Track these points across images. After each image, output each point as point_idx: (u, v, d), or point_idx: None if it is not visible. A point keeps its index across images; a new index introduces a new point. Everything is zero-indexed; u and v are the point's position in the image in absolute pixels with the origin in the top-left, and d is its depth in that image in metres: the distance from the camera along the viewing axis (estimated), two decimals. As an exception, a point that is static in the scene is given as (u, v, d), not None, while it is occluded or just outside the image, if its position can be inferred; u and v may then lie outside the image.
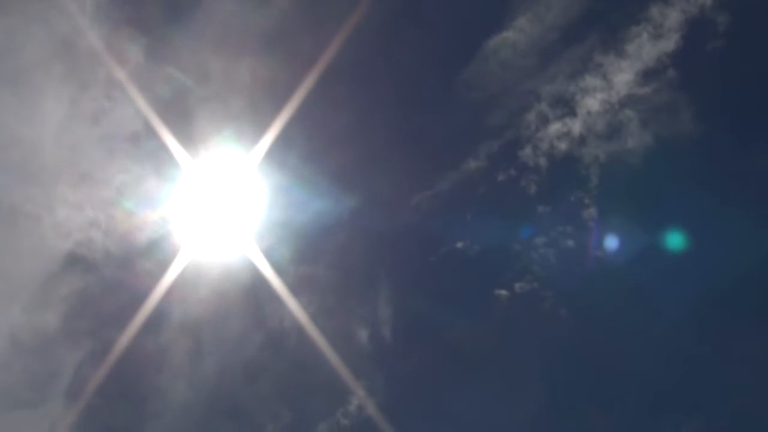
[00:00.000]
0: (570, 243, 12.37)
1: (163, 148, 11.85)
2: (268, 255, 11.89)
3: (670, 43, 12.19)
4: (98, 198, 12.16)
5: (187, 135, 12.02)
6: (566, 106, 12.55)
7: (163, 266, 11.92)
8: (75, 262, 12.23)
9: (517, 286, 12.52)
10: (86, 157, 12.18)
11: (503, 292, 12.59)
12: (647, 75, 12.25)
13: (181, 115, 12.10)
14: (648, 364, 11.92)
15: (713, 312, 11.56)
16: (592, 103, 12.51)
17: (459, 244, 12.53)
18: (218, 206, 12.24)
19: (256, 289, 12.11)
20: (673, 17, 12.14)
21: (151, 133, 11.85)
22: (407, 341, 12.82)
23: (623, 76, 12.36)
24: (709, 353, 11.56)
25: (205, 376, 12.25)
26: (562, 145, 12.52)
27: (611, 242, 12.26)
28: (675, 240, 11.86)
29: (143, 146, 12.15)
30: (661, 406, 11.73)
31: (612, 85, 12.40)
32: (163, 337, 12.14)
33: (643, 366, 11.91)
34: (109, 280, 12.28)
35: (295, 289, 11.86)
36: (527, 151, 12.62)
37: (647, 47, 12.27)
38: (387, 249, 12.32)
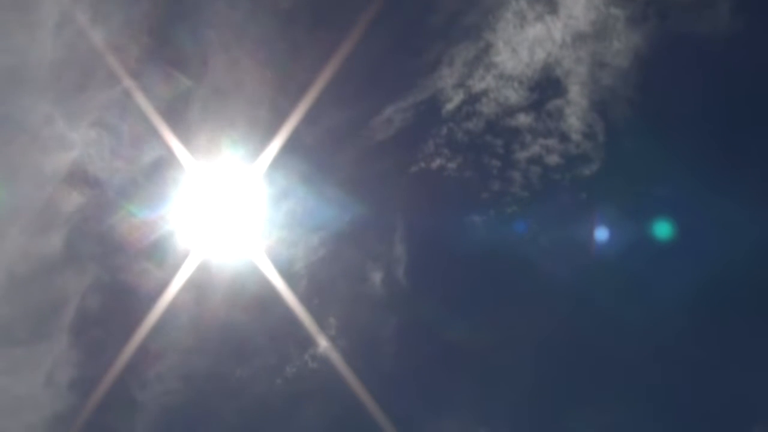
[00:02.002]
0: (554, 159, 11.28)
1: (167, 151, 10.96)
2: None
3: (659, -68, 11.00)
4: (100, 108, 10.93)
5: (192, 138, 11.04)
6: (547, 4, 11.23)
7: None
8: (77, 178, 11.05)
9: (493, 212, 11.40)
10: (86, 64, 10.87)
11: (478, 218, 11.46)
12: (635, -32, 11.06)
13: (186, 118, 11.11)
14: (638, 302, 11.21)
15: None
16: (575, 0, 11.24)
17: (434, 164, 11.23)
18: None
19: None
20: None
21: (154, 135, 10.95)
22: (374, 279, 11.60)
23: (609, -30, 11.12)
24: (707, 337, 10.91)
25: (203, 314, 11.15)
26: (544, 48, 11.25)
27: (598, 154, 11.25)
28: (668, 149, 10.97)
29: (147, 149, 11.09)
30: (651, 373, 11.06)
31: (597, -20, 11.15)
32: (169, 269, 10.99)
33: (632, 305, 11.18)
34: (113, 201, 11.15)
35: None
36: (505, 57, 11.29)
37: (634, -63, 11.03)
38: (354, 165, 10.90)
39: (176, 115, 10.98)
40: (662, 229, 11.16)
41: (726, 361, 10.64)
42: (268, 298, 11.01)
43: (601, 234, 11.36)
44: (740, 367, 10.57)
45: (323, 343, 11.14)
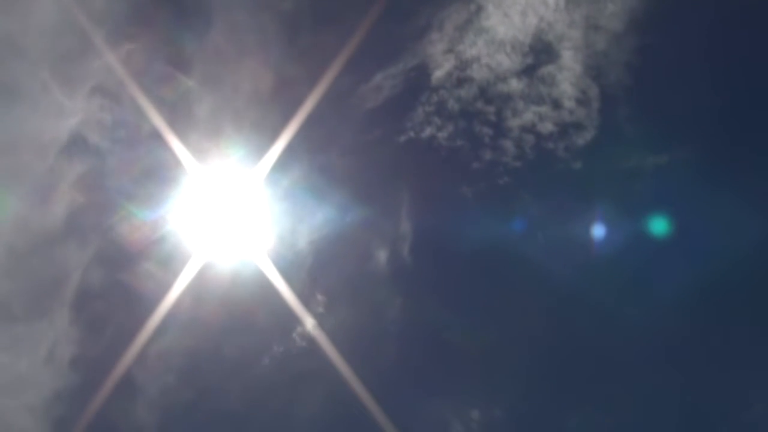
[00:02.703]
0: (547, 127, 10.96)
1: (170, 154, 10.65)
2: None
3: None
4: (99, 72, 10.54)
5: (194, 141, 10.74)
6: (538, -36, 10.83)
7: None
8: (78, 146, 10.71)
9: (484, 182, 11.07)
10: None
11: (468, 189, 11.15)
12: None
13: (188, 121, 10.80)
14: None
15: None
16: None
17: (424, 133, 10.88)
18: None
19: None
20: None
21: (156, 138, 10.63)
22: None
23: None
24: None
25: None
26: (536, 12, 10.87)
27: (592, 122, 10.94)
28: (664, 116, 10.68)
29: (149, 152, 10.80)
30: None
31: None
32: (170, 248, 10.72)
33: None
34: (115, 168, 10.78)
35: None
36: (496, 21, 10.91)
37: None
38: (342, 134, 10.54)
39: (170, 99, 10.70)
40: (660, 199, 10.90)
41: (726, 358, 10.37)
42: (265, 279, 10.75)
43: (596, 204, 11.12)
44: (740, 364, 10.33)
45: (322, 321, 10.89)
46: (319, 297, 10.97)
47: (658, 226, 10.82)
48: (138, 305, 10.60)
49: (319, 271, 11.05)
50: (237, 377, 10.95)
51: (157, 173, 10.75)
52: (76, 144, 10.74)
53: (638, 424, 10.54)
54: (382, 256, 11.13)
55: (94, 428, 10.45)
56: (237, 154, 10.79)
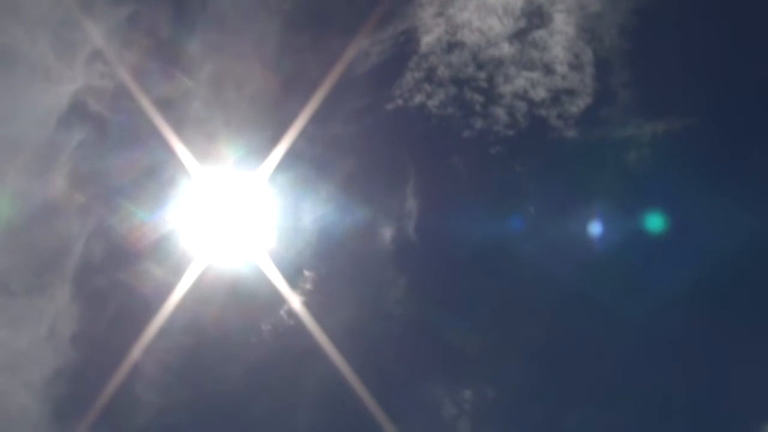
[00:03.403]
0: (539, 93, 10.72)
1: (171, 155, 10.47)
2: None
3: None
4: (98, 36, 10.36)
5: (195, 142, 10.56)
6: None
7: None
8: (78, 113, 10.51)
9: (475, 152, 10.85)
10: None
11: (459, 159, 10.95)
12: None
13: (189, 122, 10.64)
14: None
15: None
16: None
17: (414, 101, 10.64)
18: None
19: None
20: None
21: (158, 139, 10.43)
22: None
23: None
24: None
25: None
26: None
27: (585, 86, 10.70)
28: (661, 80, 10.44)
29: (150, 153, 10.61)
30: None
31: None
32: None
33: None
34: (117, 135, 10.63)
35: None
36: (488, -13, 10.62)
37: None
38: (331, 101, 10.28)
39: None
40: (656, 168, 10.68)
41: (726, 357, 10.16)
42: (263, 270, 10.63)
43: (590, 173, 10.94)
44: (740, 362, 10.12)
45: (312, 305, 10.77)
46: (309, 276, 10.87)
47: (654, 196, 10.66)
48: (136, 283, 10.58)
49: (316, 255, 10.94)
50: (236, 367, 10.89)
51: (153, 166, 10.63)
52: (76, 113, 10.58)
53: (636, 421, 10.41)
54: (370, 236, 11.00)
55: (93, 405, 10.37)
56: (234, 140, 10.63)
